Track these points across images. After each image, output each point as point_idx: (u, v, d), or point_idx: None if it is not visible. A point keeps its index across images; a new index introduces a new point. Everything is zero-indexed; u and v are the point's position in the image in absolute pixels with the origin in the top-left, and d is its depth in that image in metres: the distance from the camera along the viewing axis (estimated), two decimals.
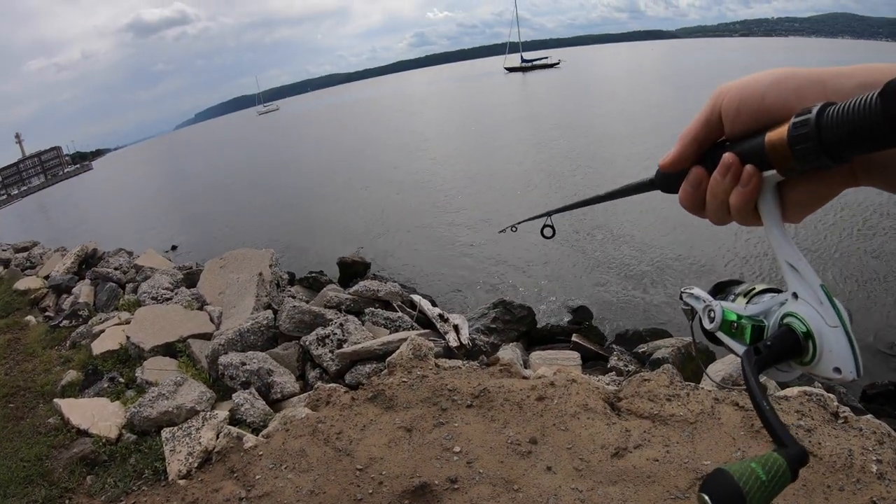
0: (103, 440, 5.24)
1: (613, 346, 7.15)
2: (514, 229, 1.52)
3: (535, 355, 6.53)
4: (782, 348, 0.62)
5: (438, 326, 7.16)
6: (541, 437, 4.33)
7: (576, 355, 6.49)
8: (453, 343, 6.70)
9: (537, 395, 4.78)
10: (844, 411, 4.06)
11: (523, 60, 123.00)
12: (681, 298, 0.81)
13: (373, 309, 7.70)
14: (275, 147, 51.73)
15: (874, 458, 3.53)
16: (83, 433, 5.43)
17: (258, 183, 29.99)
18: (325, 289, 9.21)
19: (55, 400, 6.10)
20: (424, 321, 7.60)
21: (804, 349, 0.61)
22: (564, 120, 33.12)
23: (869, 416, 4.19)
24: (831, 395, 4.27)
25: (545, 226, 1.22)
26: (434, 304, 8.38)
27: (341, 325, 6.71)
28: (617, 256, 10.96)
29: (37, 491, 4.75)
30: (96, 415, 5.64)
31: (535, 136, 28.59)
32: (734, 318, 0.69)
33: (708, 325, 0.73)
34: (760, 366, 0.62)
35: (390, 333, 6.85)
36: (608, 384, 5.22)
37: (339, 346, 6.39)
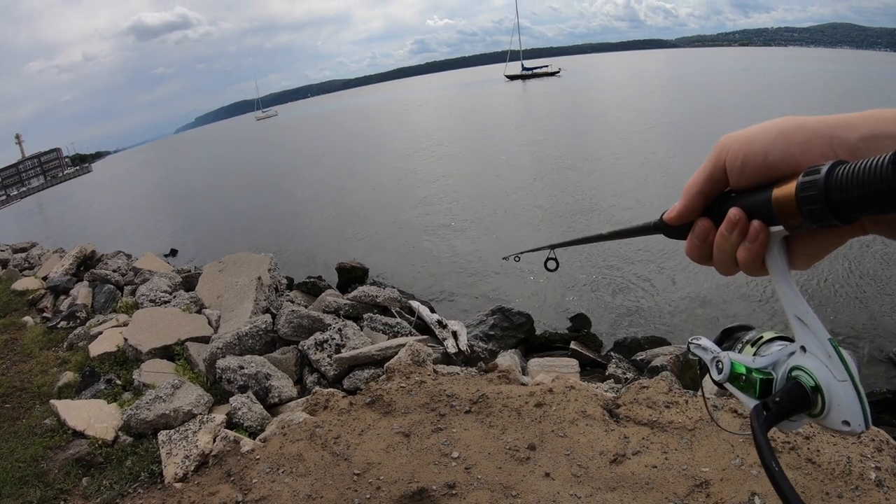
0: (99, 442, 5.22)
1: (612, 353, 7.14)
2: (517, 259, 1.53)
3: (534, 362, 6.52)
4: (791, 403, 0.61)
5: (437, 332, 7.16)
6: (539, 443, 4.32)
7: (574, 362, 6.47)
8: (452, 349, 6.70)
9: (536, 402, 4.78)
10: None
11: (524, 68, 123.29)
12: (688, 349, 0.81)
13: (371, 314, 7.70)
14: (273, 152, 51.79)
15: (873, 466, 3.53)
16: (79, 435, 5.42)
17: (257, 187, 30.02)
18: (323, 294, 9.20)
19: (51, 401, 6.09)
20: (423, 327, 7.60)
21: (813, 403, 0.60)
22: (566, 131, 33.21)
23: None
24: None
25: (549, 258, 1.23)
26: (433, 311, 8.38)
27: (340, 330, 6.70)
28: (618, 266, 10.96)
29: (32, 492, 4.73)
30: (92, 416, 5.62)
31: (537, 146, 28.63)
32: (743, 370, 0.68)
33: (716, 377, 0.72)
34: (769, 423, 0.62)
35: (389, 339, 6.85)
36: (606, 391, 5.22)
37: (338, 351, 6.38)
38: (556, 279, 10.53)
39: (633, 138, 25.75)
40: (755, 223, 0.61)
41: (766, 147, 0.60)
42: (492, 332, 7.61)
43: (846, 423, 0.58)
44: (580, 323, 8.49)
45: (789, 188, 0.56)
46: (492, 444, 4.40)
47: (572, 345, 7.20)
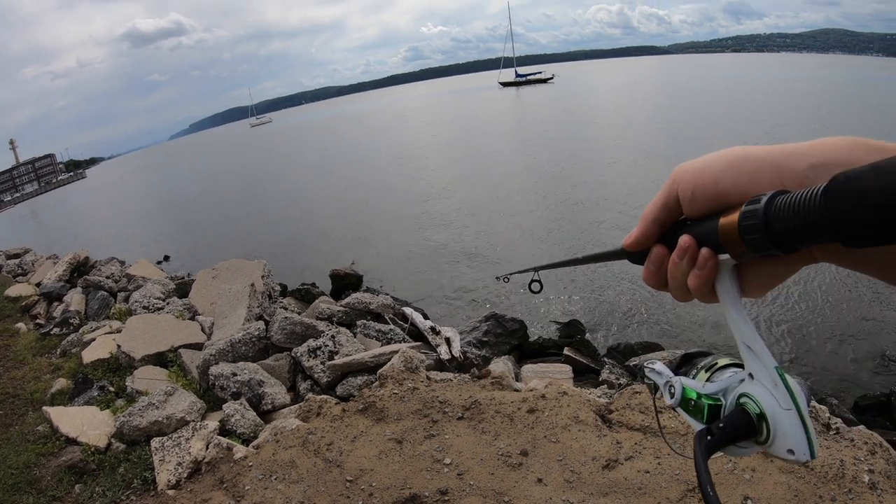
0: (92, 449, 5.20)
1: (605, 359, 7.17)
2: (506, 280, 1.57)
3: (527, 368, 6.54)
4: (736, 430, 0.62)
5: (430, 339, 7.16)
6: (532, 449, 4.33)
7: (567, 368, 6.49)
8: (445, 356, 6.70)
9: (528, 408, 4.79)
10: (836, 422, 4.08)
11: (517, 75, 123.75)
12: (643, 373, 0.81)
13: (365, 321, 7.69)
14: (267, 159, 51.77)
15: (866, 469, 3.55)
16: (72, 441, 5.39)
17: (251, 194, 30.02)
18: (317, 301, 9.20)
19: (44, 408, 6.06)
20: (416, 334, 7.60)
21: (758, 430, 0.61)
22: (559, 138, 33.30)
23: (861, 427, 4.21)
24: (823, 407, 4.30)
25: (533, 280, 1.24)
26: (426, 317, 8.38)
27: (333, 336, 6.70)
28: (611, 273, 10.99)
29: (24, 498, 4.71)
30: (85, 423, 5.60)
31: (530, 153, 28.71)
32: (693, 396, 0.69)
33: (668, 401, 0.73)
34: (711, 448, 0.62)
35: (382, 346, 6.85)
36: (599, 397, 5.23)
37: (331, 358, 6.38)
38: (550, 287, 10.56)
39: (624, 145, 25.85)
40: (704, 251, 0.62)
41: (715, 177, 0.61)
42: (485, 339, 7.62)
43: (791, 451, 0.58)
44: (574, 329, 8.50)
45: (733, 217, 0.57)
46: (484, 450, 4.40)
47: (566, 351, 7.21)
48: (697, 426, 0.67)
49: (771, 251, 0.54)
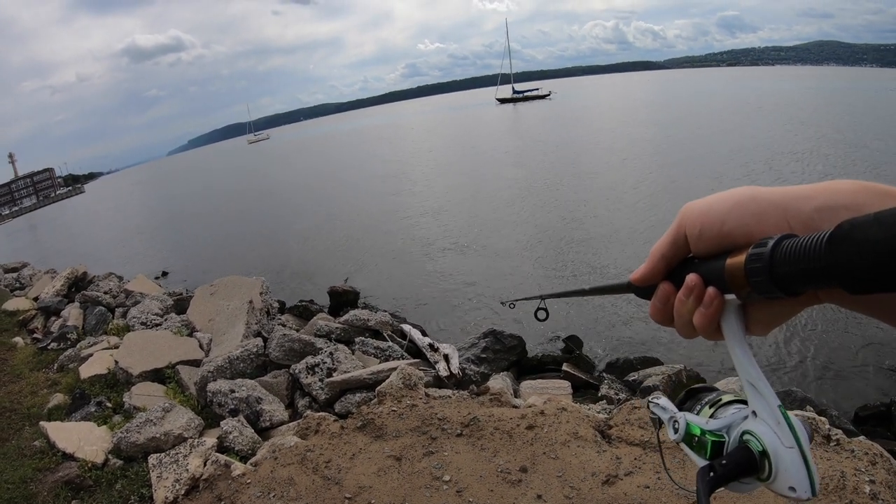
0: (89, 465, 5.18)
1: (604, 374, 7.16)
2: (511, 306, 1.58)
3: (526, 384, 6.53)
4: (738, 466, 0.62)
5: (428, 356, 7.16)
6: (531, 465, 4.32)
7: (566, 384, 6.48)
8: (443, 372, 6.69)
9: (527, 424, 4.78)
10: (836, 434, 4.08)
11: (515, 92, 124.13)
12: (648, 408, 0.81)
13: (363, 338, 7.69)
14: (265, 175, 51.81)
15: (867, 479, 3.54)
16: (69, 457, 5.37)
17: (250, 210, 30.00)
18: (315, 317, 9.20)
19: (41, 423, 6.04)
20: (414, 350, 7.59)
21: (761, 467, 0.62)
22: (559, 157, 33.38)
23: (861, 438, 4.21)
24: (823, 419, 4.30)
25: (539, 308, 1.25)
26: (424, 334, 8.38)
27: (331, 353, 6.69)
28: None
29: None
30: (82, 439, 5.58)
31: (530, 175, 28.78)
32: (697, 432, 0.70)
33: (672, 437, 0.74)
34: (713, 485, 0.63)
35: (380, 363, 6.84)
36: (599, 412, 5.23)
37: (329, 375, 6.37)
38: (550, 304, 10.55)
39: (627, 165, 25.93)
40: (710, 290, 0.63)
41: (722, 217, 0.63)
42: (484, 355, 7.61)
43: (792, 488, 0.59)
44: (572, 344, 8.49)
45: (740, 259, 0.58)
46: (483, 466, 4.39)
47: (564, 366, 7.21)
48: (700, 462, 0.67)
49: (775, 294, 0.55)
